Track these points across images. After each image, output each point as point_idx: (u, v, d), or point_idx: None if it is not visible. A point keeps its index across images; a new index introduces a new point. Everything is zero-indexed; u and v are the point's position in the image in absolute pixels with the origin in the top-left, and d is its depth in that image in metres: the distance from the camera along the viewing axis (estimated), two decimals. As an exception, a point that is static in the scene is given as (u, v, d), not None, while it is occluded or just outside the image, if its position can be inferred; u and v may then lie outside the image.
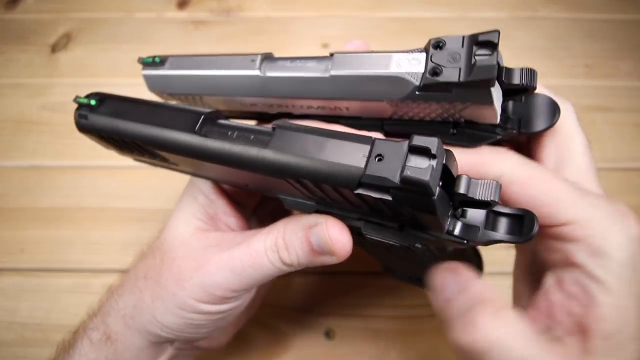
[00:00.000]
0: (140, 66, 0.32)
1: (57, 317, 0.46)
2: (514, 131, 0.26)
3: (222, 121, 0.27)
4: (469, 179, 0.22)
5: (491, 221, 0.23)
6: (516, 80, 0.24)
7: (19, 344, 0.44)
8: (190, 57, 0.31)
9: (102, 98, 0.29)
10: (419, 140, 0.20)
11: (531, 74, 0.24)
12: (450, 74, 0.23)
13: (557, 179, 0.24)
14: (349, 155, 0.22)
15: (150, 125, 0.27)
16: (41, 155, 0.56)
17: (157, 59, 0.31)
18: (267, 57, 0.29)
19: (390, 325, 0.45)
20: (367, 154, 0.22)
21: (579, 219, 0.22)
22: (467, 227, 0.23)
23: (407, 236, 0.25)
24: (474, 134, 0.26)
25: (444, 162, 0.21)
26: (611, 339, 0.22)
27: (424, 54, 0.24)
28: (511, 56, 0.63)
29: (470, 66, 0.22)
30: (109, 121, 0.28)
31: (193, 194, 0.32)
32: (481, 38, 0.23)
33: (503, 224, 0.23)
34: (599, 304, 0.22)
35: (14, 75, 0.62)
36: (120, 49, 0.65)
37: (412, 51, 0.25)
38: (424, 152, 0.20)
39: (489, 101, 0.24)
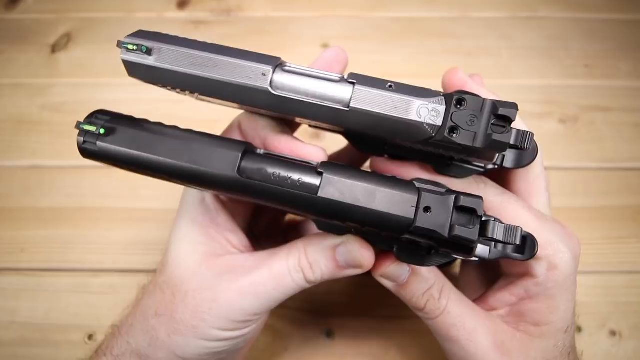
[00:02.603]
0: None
1: (57, 317, 0.46)
2: (496, 166, 0.29)
3: (260, 153, 0.27)
4: (496, 224, 0.25)
5: (507, 232, 0.26)
6: (512, 141, 0.26)
7: (19, 343, 0.44)
8: (186, 52, 0.26)
9: (111, 126, 0.26)
10: (466, 202, 0.24)
11: (527, 137, 0.25)
12: (466, 138, 0.24)
13: (525, 209, 0.29)
14: (398, 205, 0.24)
15: (182, 162, 0.26)
16: (41, 155, 0.56)
17: (143, 49, 0.26)
18: (279, 67, 0.26)
19: (390, 325, 0.45)
20: (415, 204, 0.24)
21: (542, 243, 0.28)
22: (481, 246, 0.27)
23: (435, 259, 0.28)
24: (465, 168, 0.29)
25: (482, 217, 0.24)
26: (542, 327, 0.29)
27: (443, 107, 0.25)
28: (511, 56, 0.64)
29: (486, 135, 0.24)
30: (127, 153, 0.26)
31: (191, 216, 0.31)
32: (501, 111, 0.24)
33: (500, 228, 0.25)
34: (538, 303, 0.29)
35: (14, 75, 0.62)
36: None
37: (433, 98, 0.25)
38: (470, 211, 0.24)
39: (492, 159, 0.28)
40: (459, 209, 0.24)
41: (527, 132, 0.25)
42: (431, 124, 0.25)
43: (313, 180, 0.25)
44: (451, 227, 0.24)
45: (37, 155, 0.56)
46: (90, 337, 0.45)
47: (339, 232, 0.29)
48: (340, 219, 0.26)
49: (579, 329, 0.45)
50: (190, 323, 0.28)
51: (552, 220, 0.30)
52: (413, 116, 0.25)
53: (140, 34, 0.27)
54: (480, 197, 0.24)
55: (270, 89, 0.26)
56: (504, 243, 0.25)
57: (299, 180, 0.25)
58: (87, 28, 0.67)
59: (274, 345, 0.44)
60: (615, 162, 0.55)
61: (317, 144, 0.29)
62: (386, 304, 0.45)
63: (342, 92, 0.26)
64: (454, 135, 0.24)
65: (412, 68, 0.62)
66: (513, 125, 0.27)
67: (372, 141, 0.30)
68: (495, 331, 0.30)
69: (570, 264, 0.29)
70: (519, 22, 0.67)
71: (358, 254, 0.28)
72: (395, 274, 0.30)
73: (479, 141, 0.24)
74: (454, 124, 0.24)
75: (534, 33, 0.66)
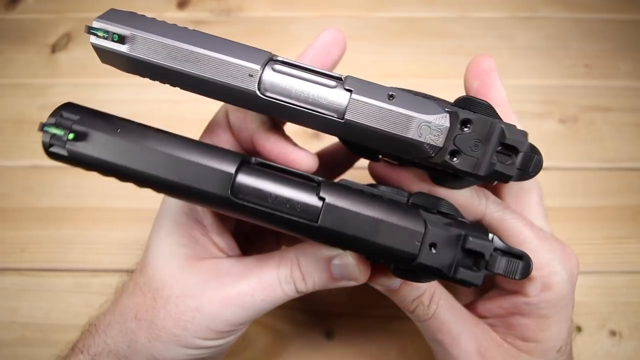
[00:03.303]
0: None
1: (57, 317, 0.46)
2: (494, 183, 0.28)
3: (252, 172, 0.24)
4: (498, 259, 0.24)
5: (492, 257, 0.25)
6: (519, 165, 0.24)
7: (19, 343, 0.44)
8: (163, 42, 0.23)
9: (82, 129, 0.23)
10: (475, 245, 0.23)
11: (533, 161, 0.24)
12: (467, 164, 0.23)
13: (526, 226, 0.29)
14: (403, 240, 0.23)
15: (168, 177, 0.23)
16: (42, 155, 0.55)
17: (114, 37, 0.23)
18: (270, 65, 0.23)
19: (391, 325, 0.45)
20: (420, 239, 0.23)
21: (538, 263, 0.27)
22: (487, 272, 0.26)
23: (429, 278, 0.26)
24: (464, 180, 0.28)
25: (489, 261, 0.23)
26: (530, 343, 0.29)
27: (447, 126, 0.23)
28: (511, 56, 0.64)
29: (489, 163, 0.23)
30: (103, 162, 0.23)
31: (171, 216, 0.30)
32: (508, 140, 0.22)
33: (502, 261, 0.25)
34: (527, 319, 0.29)
35: (14, 75, 0.62)
36: (120, 49, 0.65)
37: (436, 115, 0.23)
38: (476, 254, 0.23)
39: (492, 184, 0.26)
40: (466, 251, 0.23)
41: (534, 156, 0.24)
42: (432, 145, 0.23)
43: (313, 205, 0.23)
44: (455, 269, 0.23)
45: (37, 155, 0.56)
46: (90, 337, 0.45)
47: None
48: (340, 247, 0.25)
49: (579, 329, 0.45)
50: (172, 331, 0.27)
51: (552, 239, 0.29)
52: (412, 134, 0.23)
53: (112, 15, 0.23)
54: (490, 241, 0.23)
55: (257, 92, 0.23)
56: (504, 276, 0.24)
57: (298, 205, 0.23)
58: (87, 28, 0.67)
59: (274, 345, 0.44)
60: (615, 162, 0.55)
61: (309, 148, 0.28)
62: (386, 304, 0.45)
63: (338, 100, 0.23)
64: (455, 160, 0.23)
65: (412, 68, 0.62)
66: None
67: (368, 149, 0.28)
68: (481, 338, 0.30)
69: (566, 285, 0.28)
70: (519, 22, 0.67)
71: (355, 268, 0.27)
72: (388, 284, 0.29)
73: (481, 169, 0.23)
74: (456, 148, 0.23)
75: (534, 33, 0.66)
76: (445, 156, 0.23)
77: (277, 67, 0.23)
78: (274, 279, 0.28)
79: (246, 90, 0.23)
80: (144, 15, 0.24)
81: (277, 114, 0.24)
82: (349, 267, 0.27)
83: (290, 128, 0.31)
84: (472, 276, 0.23)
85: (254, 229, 0.38)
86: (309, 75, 0.24)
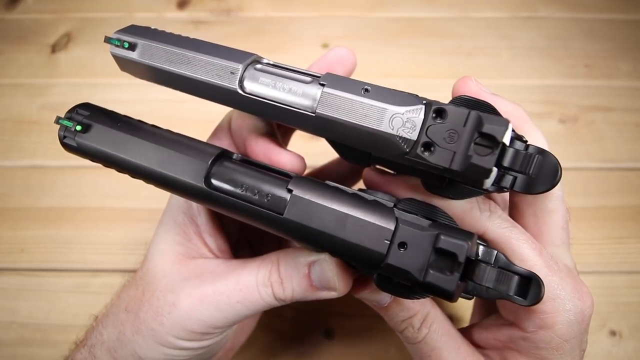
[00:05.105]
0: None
1: (57, 317, 0.46)
2: (505, 189, 0.22)
3: (229, 164, 0.25)
4: (487, 269, 0.22)
5: (500, 277, 0.22)
6: (508, 163, 0.21)
7: (19, 343, 0.44)
8: (163, 48, 0.26)
9: (89, 122, 0.26)
10: (446, 244, 0.20)
11: (532, 160, 0.21)
12: (442, 157, 0.20)
13: (534, 251, 0.25)
14: (370, 237, 0.21)
15: (151, 166, 0.25)
16: (42, 155, 0.56)
17: (125, 44, 0.26)
18: (252, 65, 0.25)
19: (390, 325, 0.45)
20: (389, 238, 0.21)
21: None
22: (476, 285, 0.23)
23: (419, 293, 0.24)
24: (463, 189, 0.23)
25: (466, 255, 0.20)
26: None
27: (421, 118, 0.21)
28: (511, 56, 0.64)
29: (466, 156, 0.20)
30: (102, 151, 0.25)
31: (172, 214, 0.30)
32: (486, 128, 0.20)
33: (492, 272, 0.22)
34: (525, 358, 0.25)
35: (14, 75, 0.62)
36: (120, 49, 0.65)
37: (410, 107, 0.21)
38: (449, 255, 0.20)
39: (481, 186, 0.21)
40: (438, 251, 0.20)
41: (532, 154, 0.21)
42: (405, 138, 0.21)
43: (281, 197, 0.23)
44: (426, 271, 0.20)
45: (37, 155, 0.56)
46: (90, 337, 0.45)
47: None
48: (307, 244, 0.23)
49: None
50: (150, 325, 0.27)
51: (565, 272, 0.25)
52: (384, 127, 0.21)
53: (130, 30, 0.27)
54: (467, 239, 0.20)
55: (238, 89, 0.24)
56: (498, 293, 0.22)
57: (267, 196, 0.23)
58: (87, 28, 0.67)
59: (274, 345, 0.44)
60: (615, 162, 0.55)
61: (307, 150, 0.28)
62: (386, 304, 0.45)
63: (311, 94, 0.23)
64: (427, 153, 0.20)
65: (412, 68, 0.62)
66: (531, 138, 0.24)
67: (355, 150, 0.25)
68: None
69: (571, 327, 0.24)
70: (519, 22, 0.67)
71: (333, 276, 0.26)
72: (374, 299, 0.27)
73: (456, 163, 0.20)
74: (428, 140, 0.20)
75: (534, 33, 0.66)
76: (417, 149, 0.20)
77: (259, 66, 0.25)
78: (252, 281, 0.27)
79: (228, 87, 0.24)
80: (157, 29, 0.27)
81: (257, 111, 0.25)
82: (326, 272, 0.26)
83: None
84: (442, 280, 0.20)
85: (258, 237, 0.38)
86: (289, 73, 0.24)
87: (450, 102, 0.23)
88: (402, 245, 0.21)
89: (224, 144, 0.31)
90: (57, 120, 0.26)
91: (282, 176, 0.25)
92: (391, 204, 0.23)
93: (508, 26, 0.66)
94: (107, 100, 0.59)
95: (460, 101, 0.22)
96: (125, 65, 0.27)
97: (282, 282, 0.27)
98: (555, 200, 0.26)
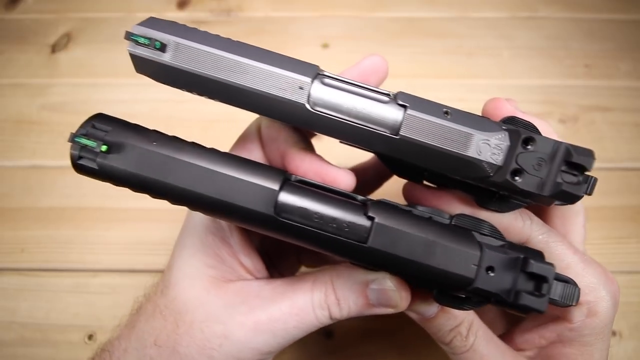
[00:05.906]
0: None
1: (57, 317, 0.46)
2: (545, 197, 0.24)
3: (295, 183, 0.23)
4: (556, 283, 0.23)
5: (565, 291, 0.24)
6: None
7: (19, 343, 0.44)
8: (209, 52, 0.22)
9: (115, 141, 0.22)
10: (537, 268, 0.22)
11: (592, 182, 0.23)
12: (531, 184, 0.22)
13: (570, 249, 0.27)
14: (458, 262, 0.22)
15: (207, 193, 0.22)
16: (41, 155, 0.56)
17: (157, 44, 0.22)
18: (318, 78, 0.22)
19: (390, 325, 0.45)
20: (477, 262, 0.22)
21: (583, 287, 0.26)
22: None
23: (474, 302, 0.25)
24: (511, 202, 0.25)
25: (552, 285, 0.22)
26: None
27: (507, 144, 0.22)
28: (511, 56, 0.64)
29: (555, 183, 0.22)
30: (136, 176, 0.22)
31: (197, 236, 0.28)
32: (575, 159, 0.22)
33: (558, 287, 0.24)
34: (570, 348, 0.27)
35: (14, 75, 0.62)
36: (120, 49, 0.65)
37: (495, 133, 0.22)
38: (539, 278, 0.22)
39: (550, 204, 0.24)
40: (528, 274, 0.22)
41: (593, 177, 0.23)
42: (491, 163, 0.22)
43: (362, 225, 0.22)
44: (517, 294, 0.22)
45: (37, 155, 0.56)
46: (90, 337, 0.45)
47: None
48: (388, 270, 0.23)
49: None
50: (197, 359, 0.25)
51: (595, 264, 0.28)
52: (472, 152, 0.22)
53: (152, 23, 0.23)
54: (552, 264, 0.22)
55: (307, 105, 0.22)
56: (561, 305, 0.23)
57: (345, 225, 0.22)
58: (87, 28, 0.67)
59: (274, 345, 0.44)
60: (615, 162, 0.55)
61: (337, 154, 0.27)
62: (386, 304, 0.45)
63: (391, 116, 0.22)
64: (517, 179, 0.22)
65: (412, 68, 0.62)
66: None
67: (412, 167, 0.25)
68: None
69: (610, 311, 0.27)
70: (519, 22, 0.67)
71: (395, 294, 0.26)
72: (424, 310, 0.28)
73: (546, 189, 0.22)
74: (518, 167, 0.22)
75: (534, 33, 0.66)
76: (506, 175, 0.22)
77: (327, 80, 0.23)
78: (307, 304, 0.26)
79: (295, 103, 0.22)
80: (185, 25, 0.23)
81: (322, 129, 0.23)
82: (388, 292, 0.26)
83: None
84: (536, 302, 0.21)
85: (276, 248, 0.37)
86: (359, 89, 0.23)
87: (501, 120, 0.24)
88: (490, 269, 0.22)
89: (256, 156, 0.29)
90: (73, 138, 0.22)
91: (349, 199, 0.24)
92: (446, 221, 0.24)
93: (508, 26, 0.66)
94: (107, 100, 0.59)
95: (512, 122, 0.23)
96: (147, 67, 0.23)
97: (339, 302, 0.26)
98: (579, 203, 0.27)
